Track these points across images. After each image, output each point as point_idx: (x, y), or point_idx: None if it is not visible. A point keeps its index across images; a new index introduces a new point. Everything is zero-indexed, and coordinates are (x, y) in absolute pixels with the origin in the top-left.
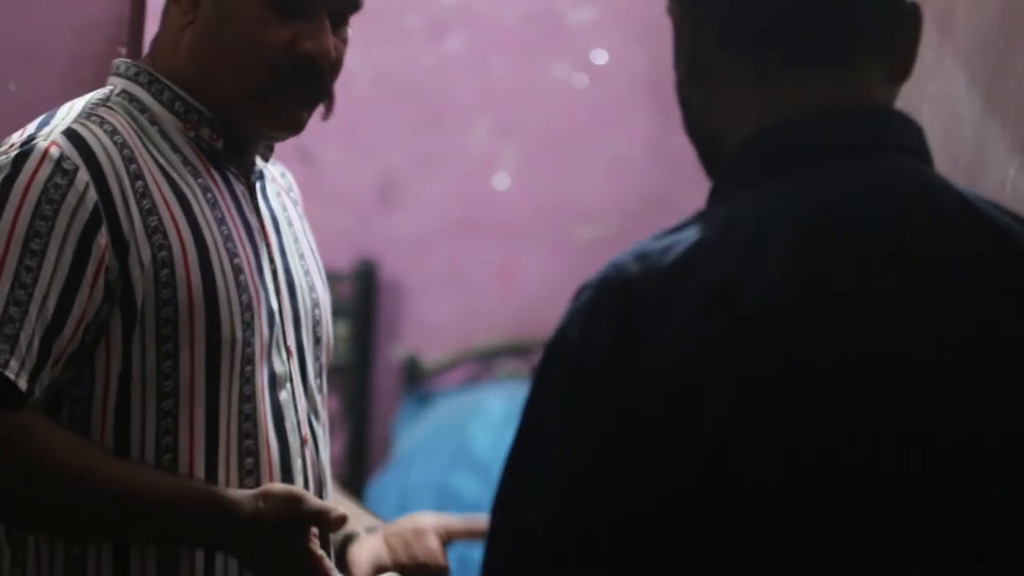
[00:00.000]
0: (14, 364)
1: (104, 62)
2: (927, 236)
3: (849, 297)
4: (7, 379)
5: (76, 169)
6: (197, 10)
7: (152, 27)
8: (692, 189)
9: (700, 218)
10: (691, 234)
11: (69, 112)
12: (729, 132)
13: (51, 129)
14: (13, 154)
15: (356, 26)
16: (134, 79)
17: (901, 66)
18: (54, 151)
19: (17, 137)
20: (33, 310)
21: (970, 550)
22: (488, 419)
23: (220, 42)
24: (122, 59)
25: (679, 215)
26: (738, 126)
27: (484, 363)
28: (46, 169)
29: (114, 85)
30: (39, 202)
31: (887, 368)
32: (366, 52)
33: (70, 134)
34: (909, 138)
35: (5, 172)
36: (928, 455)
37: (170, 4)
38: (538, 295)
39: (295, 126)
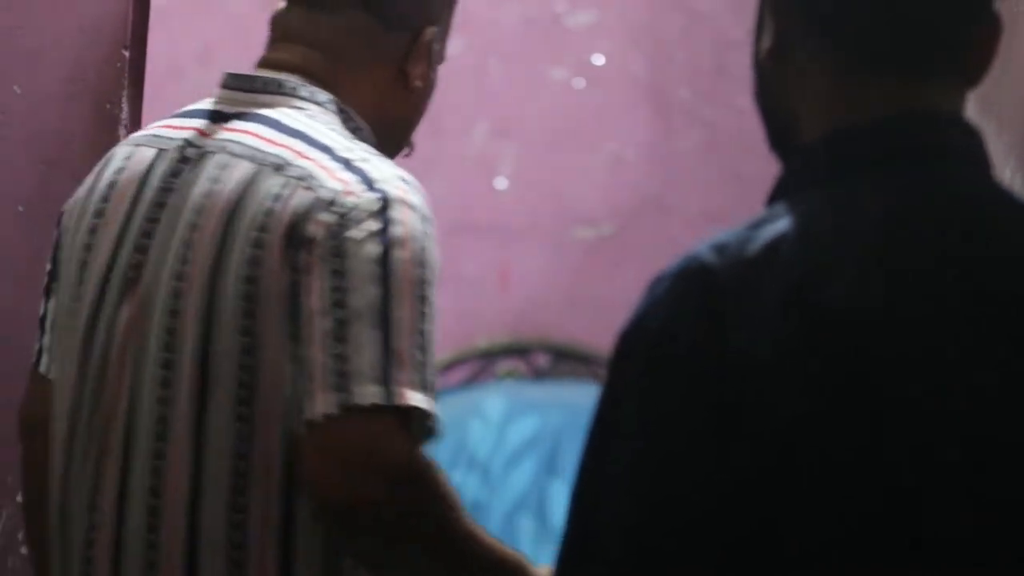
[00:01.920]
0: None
1: (108, 64)
2: (1002, 245)
3: (927, 301)
4: (432, 415)
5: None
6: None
7: (156, 31)
8: (689, 191)
9: (777, 212)
10: (770, 228)
11: (367, 151)
12: (804, 118)
13: (394, 172)
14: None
15: None
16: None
17: (975, 75)
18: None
19: (356, 183)
20: (432, 351)
21: None
22: (487, 419)
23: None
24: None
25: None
26: (813, 114)
27: (483, 363)
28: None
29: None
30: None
31: (963, 373)
32: None
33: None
34: (980, 149)
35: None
36: (995, 460)
37: (378, 67)
38: (537, 295)
39: None
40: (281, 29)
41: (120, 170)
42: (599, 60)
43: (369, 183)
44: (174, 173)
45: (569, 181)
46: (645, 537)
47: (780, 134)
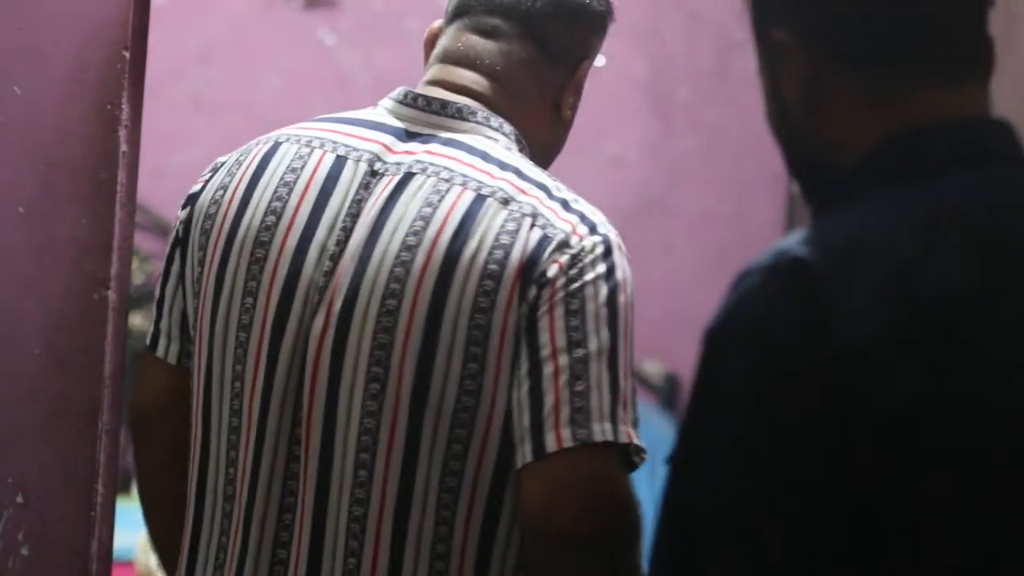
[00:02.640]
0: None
1: (108, 65)
2: None
3: (1017, 291)
4: (643, 451)
5: None
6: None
7: (156, 31)
8: (689, 192)
9: (847, 212)
10: (848, 224)
11: (570, 191)
12: (848, 145)
13: (603, 216)
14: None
15: (356, 30)
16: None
17: (990, 71)
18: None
19: (580, 224)
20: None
21: None
22: None
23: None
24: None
25: (677, 217)
26: (859, 139)
27: None
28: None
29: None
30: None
31: None
32: (367, 56)
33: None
34: (1019, 146)
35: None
36: None
37: (540, 98)
38: None
39: None
40: (451, 51)
41: (294, 170)
42: (600, 61)
43: (591, 227)
44: (364, 185)
45: (569, 182)
46: (758, 541)
47: (820, 175)
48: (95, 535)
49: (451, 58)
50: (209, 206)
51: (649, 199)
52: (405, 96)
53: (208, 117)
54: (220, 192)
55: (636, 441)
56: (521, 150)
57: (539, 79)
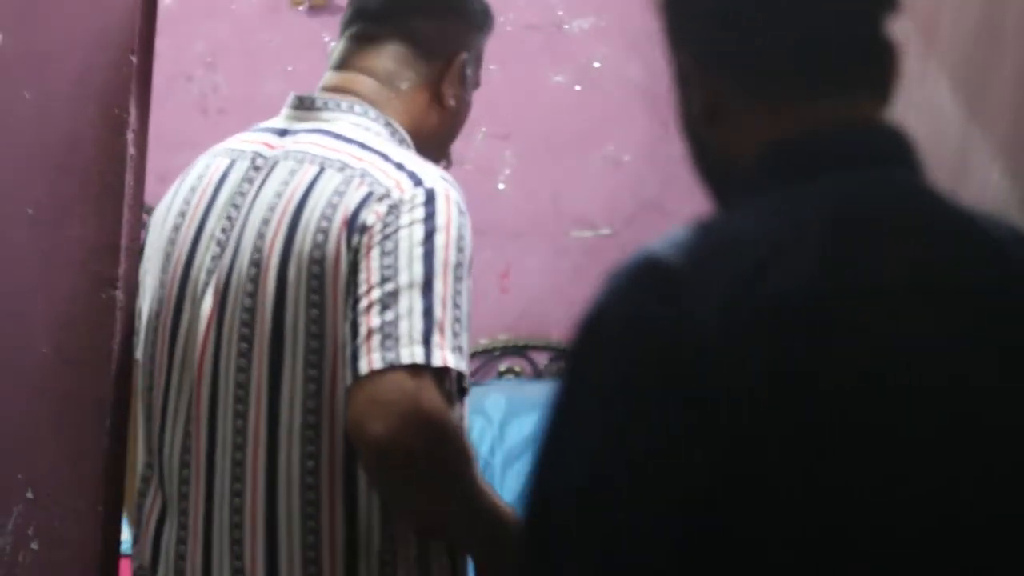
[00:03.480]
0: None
1: (115, 69)
2: (933, 239)
3: (872, 291)
4: (464, 376)
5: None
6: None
7: (162, 36)
8: (686, 194)
9: (723, 216)
10: (719, 227)
11: (415, 157)
12: (744, 154)
13: (437, 172)
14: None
15: None
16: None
17: (888, 94)
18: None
19: (406, 180)
20: (467, 324)
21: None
22: (488, 417)
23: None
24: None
25: (674, 219)
26: (751, 149)
27: (484, 362)
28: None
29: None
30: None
31: (905, 360)
32: None
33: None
34: (905, 152)
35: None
36: (928, 439)
37: (418, 89)
38: (536, 296)
39: None
40: (338, 59)
41: (200, 177)
42: (598, 65)
43: (417, 180)
44: (247, 179)
45: (568, 184)
46: (608, 535)
47: (725, 184)
48: (103, 530)
49: (336, 64)
50: (153, 218)
51: (646, 200)
52: (293, 101)
53: (214, 120)
54: (158, 208)
55: (455, 366)
56: (393, 133)
57: (415, 73)
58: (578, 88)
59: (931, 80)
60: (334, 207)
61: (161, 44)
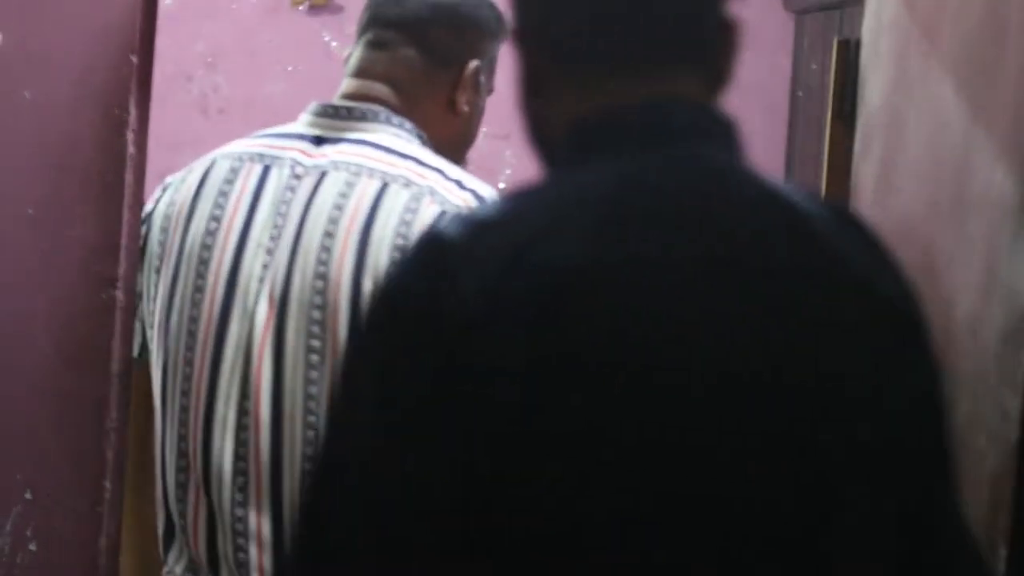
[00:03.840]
0: None
1: (115, 70)
2: (725, 215)
3: (643, 264)
4: None
5: None
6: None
7: (162, 36)
8: None
9: (519, 191)
10: (508, 201)
11: (463, 172)
12: (560, 127)
13: (492, 191)
14: None
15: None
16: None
17: (718, 74)
18: None
19: (472, 199)
20: None
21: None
22: None
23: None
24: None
25: None
26: (565, 122)
27: None
28: None
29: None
30: None
31: (674, 333)
32: None
33: None
34: (717, 129)
35: None
36: (707, 410)
37: (433, 96)
38: None
39: None
40: (355, 66)
41: (229, 181)
42: None
43: (479, 198)
44: (289, 187)
45: None
46: (375, 504)
47: (542, 144)
48: (103, 531)
49: (355, 71)
50: (162, 220)
51: None
52: (318, 109)
53: (214, 120)
54: (170, 207)
55: None
56: (423, 144)
57: (429, 80)
58: None
59: (933, 79)
60: (408, 224)
61: (161, 44)
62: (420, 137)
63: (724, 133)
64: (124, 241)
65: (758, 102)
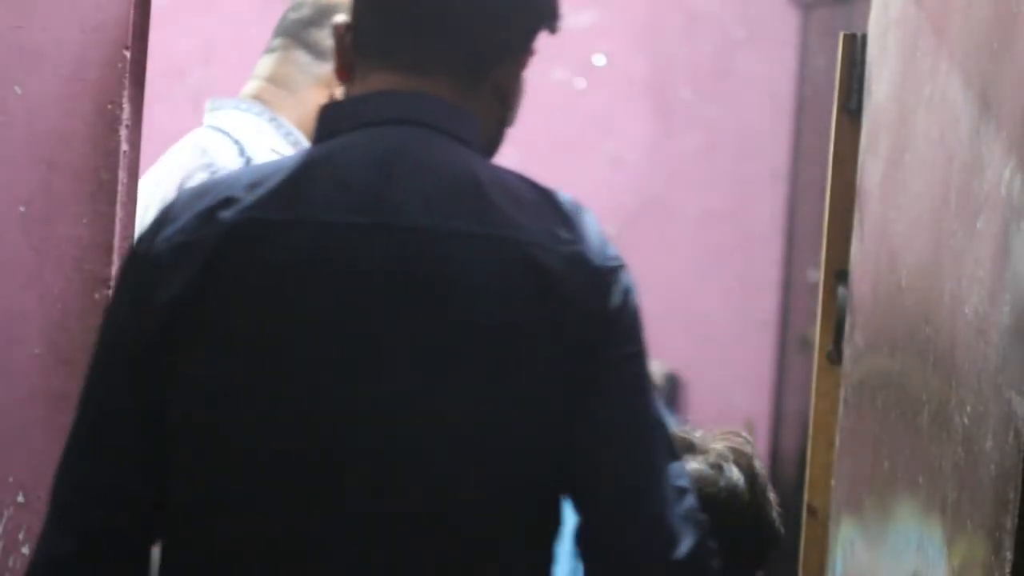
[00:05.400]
0: None
1: (109, 65)
2: (406, 189)
3: (316, 224)
4: None
5: None
6: None
7: (156, 31)
8: (689, 191)
9: (257, 165)
10: (238, 171)
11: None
12: None
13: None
14: None
15: None
16: None
17: (475, 81)
18: None
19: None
20: None
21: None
22: None
23: None
24: None
25: (676, 216)
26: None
27: None
28: None
29: None
30: None
31: (334, 290)
32: None
33: None
34: (441, 118)
35: None
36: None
37: (313, 88)
38: None
39: None
40: (255, 69)
41: None
42: (600, 60)
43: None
44: None
45: (569, 181)
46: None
47: None
48: None
49: (252, 74)
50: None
51: (649, 199)
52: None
53: None
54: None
55: None
56: (279, 127)
57: (310, 76)
58: (579, 85)
59: (942, 74)
60: (180, 177)
61: (154, 39)
62: (275, 120)
63: (446, 123)
64: (117, 240)
65: (763, 97)
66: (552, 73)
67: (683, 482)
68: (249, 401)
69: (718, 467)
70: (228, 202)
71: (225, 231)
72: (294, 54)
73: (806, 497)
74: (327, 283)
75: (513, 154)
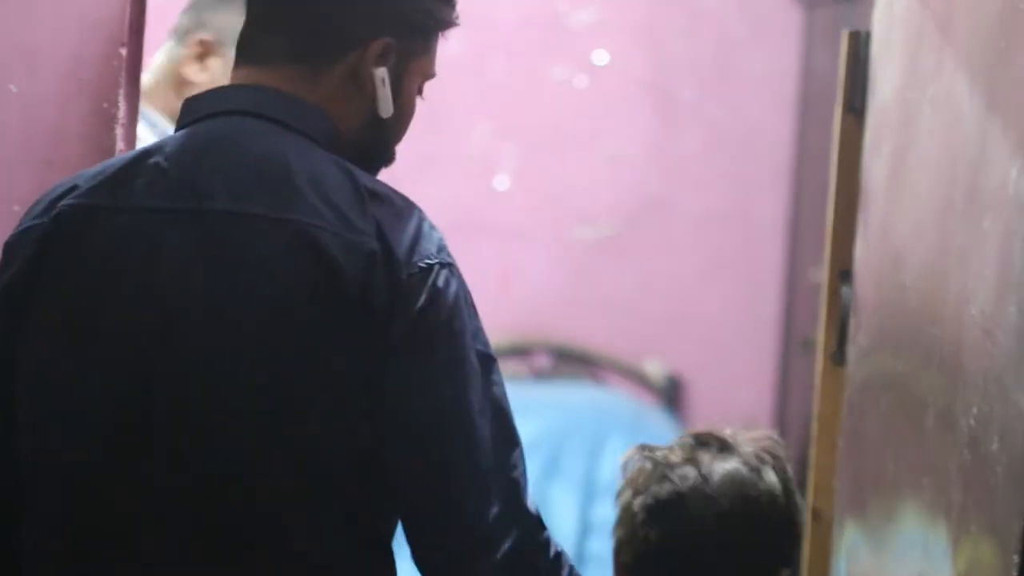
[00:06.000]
0: None
1: (105, 62)
2: (214, 175)
3: (134, 210)
4: None
5: None
6: None
7: (152, 28)
8: (691, 190)
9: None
10: (103, 162)
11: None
12: None
13: None
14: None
15: None
16: None
17: (318, 74)
18: None
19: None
20: None
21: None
22: None
23: None
24: None
25: (679, 216)
26: None
27: None
28: None
29: None
30: None
31: (141, 271)
32: None
33: None
34: (269, 108)
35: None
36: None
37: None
38: (537, 296)
39: None
40: None
41: None
42: (600, 59)
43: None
44: None
45: (570, 181)
46: None
47: None
48: None
49: None
50: None
51: (650, 198)
52: None
53: None
54: None
55: None
56: (152, 125)
57: (172, 60)
58: (579, 83)
59: (947, 72)
60: None
61: (151, 37)
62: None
63: (275, 112)
64: None
65: (766, 95)
66: (552, 71)
67: (517, 473)
68: (66, 381)
69: (756, 470)
70: (70, 191)
71: (56, 217)
72: (168, 43)
73: (810, 500)
74: (136, 265)
75: (513, 153)
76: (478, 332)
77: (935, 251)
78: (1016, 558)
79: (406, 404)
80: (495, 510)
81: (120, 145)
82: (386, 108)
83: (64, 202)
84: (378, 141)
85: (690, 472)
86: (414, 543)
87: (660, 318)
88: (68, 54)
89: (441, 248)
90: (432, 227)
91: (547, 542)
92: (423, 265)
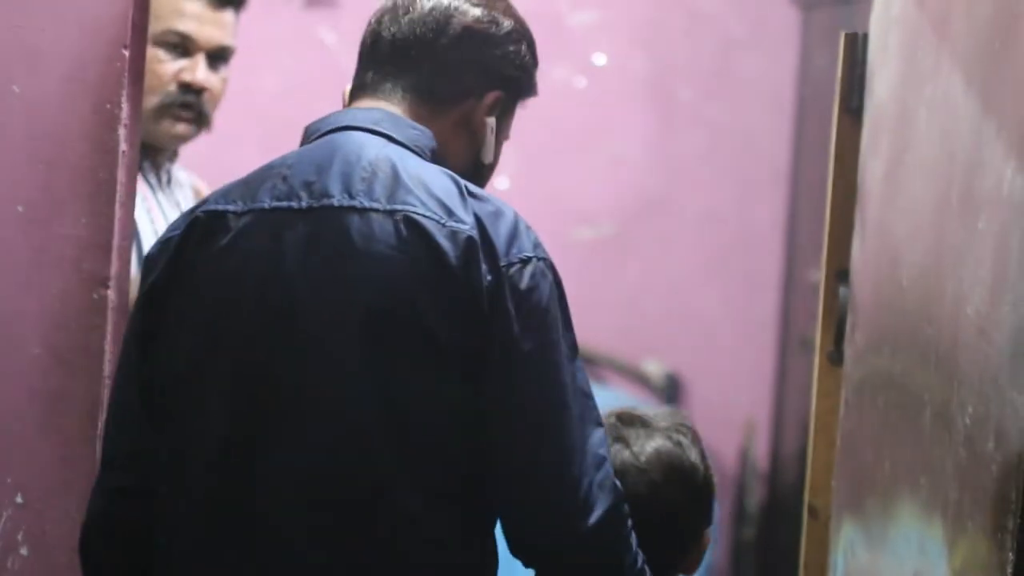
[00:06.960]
0: None
1: (108, 64)
2: (332, 177)
3: (257, 212)
4: None
5: None
6: None
7: None
8: (690, 191)
9: None
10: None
11: None
12: None
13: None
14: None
15: (357, 30)
16: None
17: (430, 99)
18: None
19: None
20: None
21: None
22: None
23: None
24: None
25: (678, 216)
26: None
27: None
28: None
29: None
30: None
31: (264, 264)
32: None
33: None
34: (383, 124)
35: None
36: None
37: None
38: None
39: (175, 139)
40: None
41: None
42: (600, 59)
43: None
44: None
45: (570, 181)
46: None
47: None
48: None
49: None
50: None
51: (650, 198)
52: None
53: None
54: None
55: None
56: None
57: None
58: (579, 84)
59: (943, 74)
60: None
61: None
62: None
63: (388, 128)
64: (116, 240)
65: (764, 96)
66: (552, 73)
67: (603, 451)
68: (201, 368)
69: (679, 444)
70: (205, 202)
71: (189, 224)
72: None
73: (807, 498)
74: (259, 258)
75: (514, 154)
76: (569, 323)
77: (931, 251)
78: (1011, 556)
79: (510, 381)
80: (587, 480)
81: (123, 146)
82: (488, 155)
83: (196, 212)
84: (476, 181)
85: (621, 450)
86: (511, 511)
87: (659, 317)
88: (71, 55)
89: (537, 245)
90: (528, 227)
91: (628, 514)
92: (522, 257)
